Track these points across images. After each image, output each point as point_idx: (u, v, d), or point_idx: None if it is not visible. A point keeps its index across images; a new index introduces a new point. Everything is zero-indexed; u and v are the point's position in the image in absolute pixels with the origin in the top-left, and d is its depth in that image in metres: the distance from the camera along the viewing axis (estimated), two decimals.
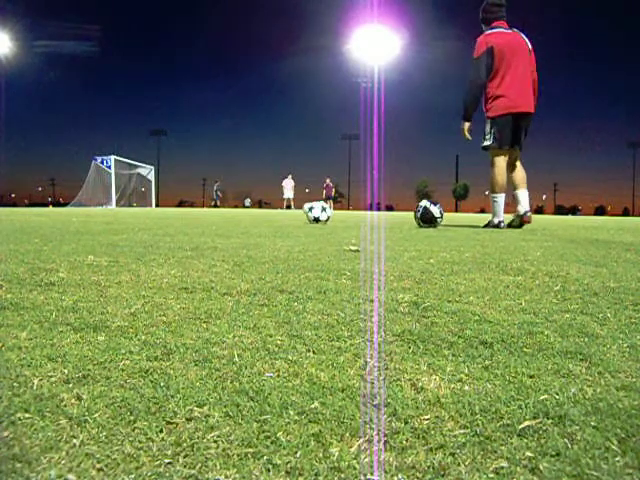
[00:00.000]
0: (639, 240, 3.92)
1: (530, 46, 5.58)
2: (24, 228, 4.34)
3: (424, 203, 5.69)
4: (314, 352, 0.93)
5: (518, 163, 5.75)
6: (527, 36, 5.66)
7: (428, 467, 0.54)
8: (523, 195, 5.68)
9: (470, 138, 5.74)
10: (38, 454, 0.55)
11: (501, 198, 5.69)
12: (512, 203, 5.83)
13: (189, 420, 0.65)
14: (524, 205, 5.66)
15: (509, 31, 5.58)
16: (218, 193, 31.54)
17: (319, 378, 0.80)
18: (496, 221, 5.74)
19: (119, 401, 0.70)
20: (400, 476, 0.53)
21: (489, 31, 5.58)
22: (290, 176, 27.68)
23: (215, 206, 30.76)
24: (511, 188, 5.74)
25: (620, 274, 1.92)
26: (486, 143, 5.64)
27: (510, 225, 5.74)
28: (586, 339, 1.04)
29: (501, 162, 5.63)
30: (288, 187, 27.44)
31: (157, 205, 34.23)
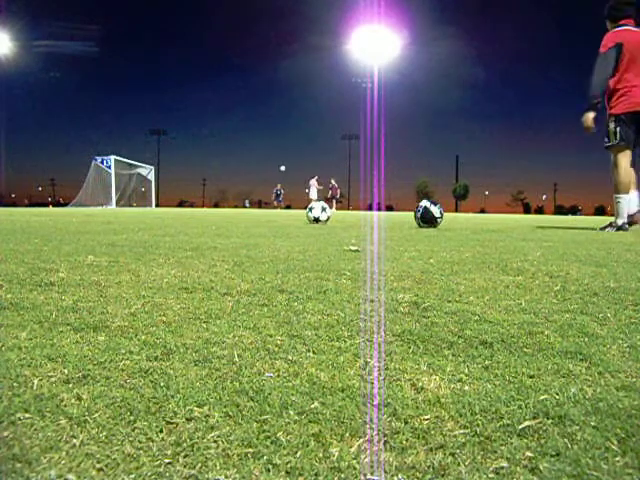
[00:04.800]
0: (639, 240, 3.91)
1: None
2: (24, 228, 4.34)
3: (424, 203, 5.70)
4: (314, 352, 0.93)
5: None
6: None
7: (428, 467, 0.54)
8: (634, 195, 5.50)
9: (593, 129, 5.43)
10: (38, 454, 0.55)
11: (625, 199, 5.42)
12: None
13: (189, 420, 0.64)
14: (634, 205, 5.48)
15: (637, 29, 5.47)
16: (279, 193, 29.59)
17: (319, 378, 0.80)
18: (620, 222, 5.41)
19: (119, 401, 0.70)
20: (400, 476, 0.53)
21: (618, 28, 5.47)
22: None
23: (285, 207, 29.34)
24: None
25: (620, 274, 1.92)
26: (612, 142, 5.41)
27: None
28: (586, 339, 1.04)
29: (625, 161, 5.36)
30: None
31: (157, 205, 34.22)
